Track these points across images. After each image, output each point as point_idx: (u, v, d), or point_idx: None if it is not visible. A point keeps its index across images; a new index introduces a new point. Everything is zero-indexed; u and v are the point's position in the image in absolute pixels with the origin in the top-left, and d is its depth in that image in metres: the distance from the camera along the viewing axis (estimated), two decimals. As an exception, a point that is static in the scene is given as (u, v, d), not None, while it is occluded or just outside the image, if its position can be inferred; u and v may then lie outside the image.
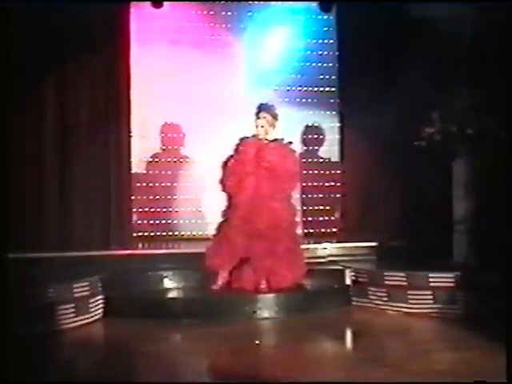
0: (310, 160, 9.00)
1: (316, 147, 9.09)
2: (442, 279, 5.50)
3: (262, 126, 5.82)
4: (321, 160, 9.08)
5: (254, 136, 5.90)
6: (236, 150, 5.91)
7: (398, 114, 7.61)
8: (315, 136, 9.09)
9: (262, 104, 5.90)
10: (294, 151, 6.11)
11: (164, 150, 8.74)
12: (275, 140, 5.93)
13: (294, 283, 5.92)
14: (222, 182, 5.92)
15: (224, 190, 5.93)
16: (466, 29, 6.79)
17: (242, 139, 5.93)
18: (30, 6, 6.94)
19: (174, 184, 8.70)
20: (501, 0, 5.99)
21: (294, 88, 9.06)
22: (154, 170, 8.66)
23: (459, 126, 6.12)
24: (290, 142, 6.06)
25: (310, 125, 9.10)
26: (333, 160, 9.08)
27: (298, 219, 6.14)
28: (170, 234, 8.64)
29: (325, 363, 4.31)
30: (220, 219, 6.02)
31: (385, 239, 7.50)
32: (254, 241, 5.72)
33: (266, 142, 5.89)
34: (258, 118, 5.83)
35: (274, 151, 5.84)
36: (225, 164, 5.93)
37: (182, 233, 8.64)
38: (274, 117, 5.89)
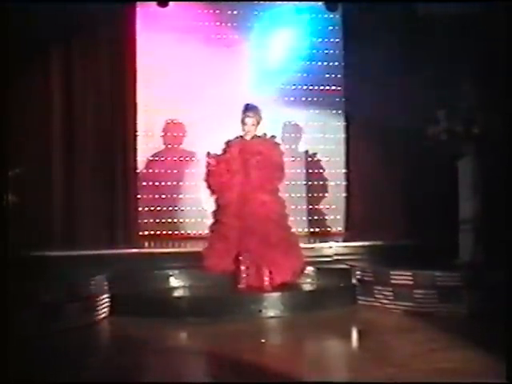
0: (315, 159, 9.00)
1: (321, 146, 9.08)
2: (447, 278, 5.50)
3: (253, 124, 6.04)
4: (326, 159, 9.07)
5: (240, 137, 6.10)
6: (222, 152, 6.12)
7: (403, 113, 7.60)
8: (320, 135, 9.08)
9: (248, 104, 6.12)
10: (279, 144, 6.28)
11: (170, 148, 8.73)
12: (258, 137, 6.13)
13: (295, 273, 6.00)
14: (206, 180, 6.15)
15: (209, 188, 6.16)
16: (472, 27, 6.79)
17: (227, 142, 6.14)
18: (32, 5, 6.96)
19: (180, 183, 8.70)
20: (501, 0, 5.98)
21: (299, 87, 9.06)
22: (159, 168, 8.67)
23: (465, 125, 6.11)
24: (274, 136, 6.23)
25: (314, 124, 9.09)
26: (338, 159, 9.07)
27: (287, 211, 6.24)
28: (176, 232, 8.65)
29: (330, 362, 4.33)
30: (211, 220, 6.16)
31: (390, 238, 7.49)
32: (246, 236, 5.83)
33: (250, 139, 6.07)
34: (248, 116, 6.04)
35: (259, 145, 6.04)
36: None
37: (188, 231, 8.65)
38: (260, 117, 6.11)
